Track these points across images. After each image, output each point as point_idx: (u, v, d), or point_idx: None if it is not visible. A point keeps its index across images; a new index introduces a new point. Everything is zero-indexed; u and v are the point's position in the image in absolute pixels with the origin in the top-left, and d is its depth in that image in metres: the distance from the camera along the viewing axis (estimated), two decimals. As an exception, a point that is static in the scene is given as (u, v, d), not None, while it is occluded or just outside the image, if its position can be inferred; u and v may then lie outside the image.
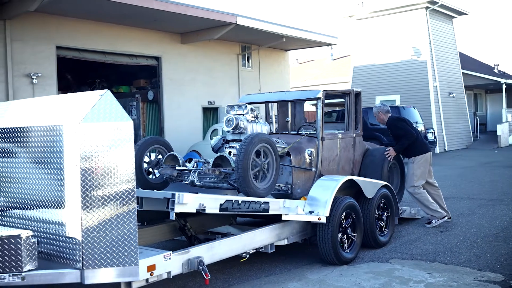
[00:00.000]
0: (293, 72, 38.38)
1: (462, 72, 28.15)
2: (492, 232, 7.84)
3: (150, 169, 6.98)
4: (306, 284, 5.63)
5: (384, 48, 26.07)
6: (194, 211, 4.87)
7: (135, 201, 4.24)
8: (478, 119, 33.18)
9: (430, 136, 22.07)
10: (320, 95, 7.19)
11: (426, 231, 8.04)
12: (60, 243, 4.29)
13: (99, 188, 4.13)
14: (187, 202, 4.75)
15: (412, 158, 8.38)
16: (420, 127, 20.28)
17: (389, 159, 8.02)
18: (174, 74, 19.78)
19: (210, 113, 21.45)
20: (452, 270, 5.97)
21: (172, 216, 4.71)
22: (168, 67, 19.57)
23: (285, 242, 6.23)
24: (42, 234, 4.44)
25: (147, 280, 4.48)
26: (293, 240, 6.37)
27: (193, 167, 6.83)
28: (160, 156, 7.01)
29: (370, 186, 7.05)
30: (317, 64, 42.49)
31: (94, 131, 4.13)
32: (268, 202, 5.77)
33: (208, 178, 6.42)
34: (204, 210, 4.95)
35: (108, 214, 4.16)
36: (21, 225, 4.64)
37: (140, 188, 6.79)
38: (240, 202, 5.38)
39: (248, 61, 23.05)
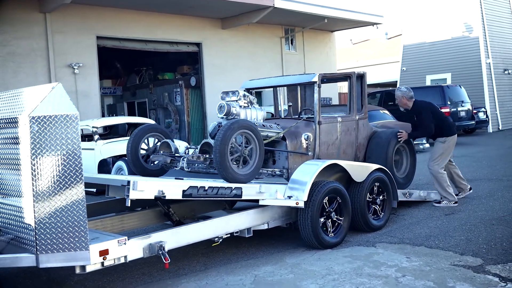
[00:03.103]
0: (347, 53, 37.91)
1: (519, 47, 26.94)
2: (498, 215, 7.59)
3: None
4: (279, 268, 5.67)
5: (434, 26, 25.29)
6: (153, 198, 5.00)
7: (83, 188, 4.42)
8: (539, 96, 31.69)
9: (481, 115, 21.40)
10: (315, 79, 7.20)
11: (431, 214, 7.88)
12: (20, 228, 4.54)
13: (49, 177, 4.33)
14: (144, 189, 4.87)
15: (443, 138, 8.45)
16: (467, 107, 19.70)
17: (399, 140, 8.07)
18: (215, 59, 19.97)
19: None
20: (433, 255, 5.86)
21: (128, 203, 4.85)
22: (209, 52, 19.78)
23: (265, 226, 6.26)
24: (6, 221, 4.72)
25: (102, 263, 4.65)
26: (275, 224, 6.39)
27: (184, 153, 7.03)
28: (158, 143, 7.21)
29: (360, 169, 6.96)
30: (371, 44, 41.63)
31: (43, 122, 4.32)
32: (240, 188, 5.80)
33: (196, 164, 6.59)
34: (164, 196, 5.06)
35: (58, 201, 4.36)
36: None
37: (138, 175, 7.03)
38: (206, 188, 5.43)
39: (292, 44, 22.95)
